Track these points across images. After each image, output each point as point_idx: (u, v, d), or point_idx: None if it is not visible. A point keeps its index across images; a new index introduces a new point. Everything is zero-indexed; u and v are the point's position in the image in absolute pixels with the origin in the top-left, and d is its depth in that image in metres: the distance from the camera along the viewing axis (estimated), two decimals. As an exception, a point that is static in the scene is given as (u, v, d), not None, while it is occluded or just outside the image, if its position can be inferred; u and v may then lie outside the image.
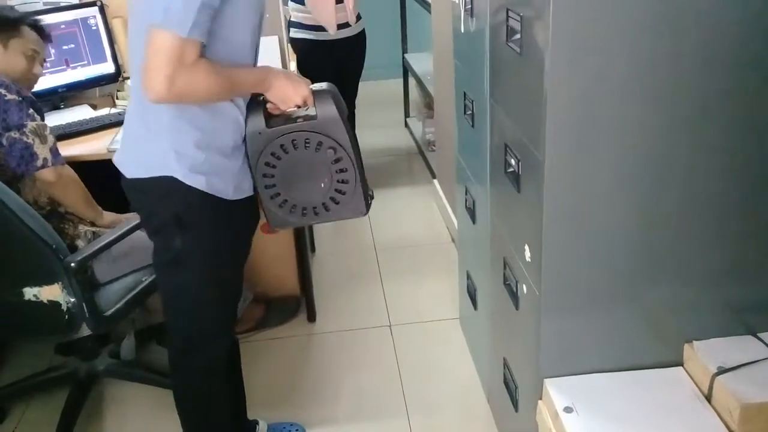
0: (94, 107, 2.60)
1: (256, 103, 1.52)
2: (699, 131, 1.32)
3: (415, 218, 3.41)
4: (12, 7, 2.14)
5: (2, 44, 1.95)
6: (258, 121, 1.51)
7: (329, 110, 1.51)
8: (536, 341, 1.48)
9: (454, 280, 2.53)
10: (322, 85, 1.56)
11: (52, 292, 1.84)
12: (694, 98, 1.29)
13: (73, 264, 1.80)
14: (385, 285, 2.83)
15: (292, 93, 1.51)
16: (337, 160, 1.54)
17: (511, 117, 1.55)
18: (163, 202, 1.51)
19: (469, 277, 2.23)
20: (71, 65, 2.58)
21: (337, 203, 1.59)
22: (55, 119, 2.42)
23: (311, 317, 2.62)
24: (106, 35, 2.65)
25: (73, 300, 1.84)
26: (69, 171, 1.95)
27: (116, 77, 2.70)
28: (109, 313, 1.93)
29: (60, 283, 1.82)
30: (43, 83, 2.51)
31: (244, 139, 1.53)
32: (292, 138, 1.51)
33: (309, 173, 1.55)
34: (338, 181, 1.57)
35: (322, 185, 1.57)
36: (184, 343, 1.69)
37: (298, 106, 1.53)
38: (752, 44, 1.25)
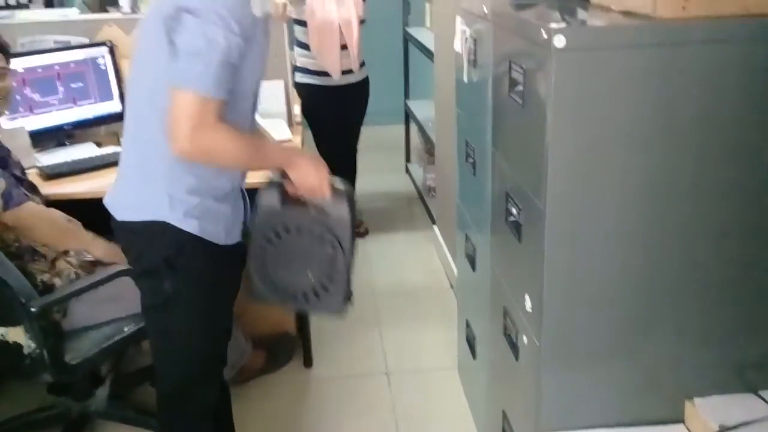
0: (99, 145, 2.61)
1: (274, 180, 1.56)
2: (700, 187, 1.32)
3: (414, 264, 3.40)
4: None
5: None
6: (274, 198, 1.54)
7: (343, 212, 1.54)
8: (537, 394, 1.46)
9: (452, 327, 2.51)
10: (341, 184, 1.57)
11: (16, 335, 1.79)
12: (695, 154, 1.30)
13: (33, 309, 1.73)
14: (383, 331, 2.81)
15: (313, 179, 1.53)
16: (332, 258, 1.54)
17: (513, 166, 1.56)
18: (154, 244, 1.51)
19: (468, 325, 2.21)
20: (78, 103, 2.61)
21: (318, 297, 1.59)
22: (60, 156, 2.44)
23: (308, 362, 2.59)
24: (114, 75, 2.68)
25: (33, 345, 1.78)
26: (29, 210, 1.87)
27: (122, 116, 2.70)
28: (75, 362, 1.84)
29: (22, 326, 1.77)
30: (49, 120, 2.54)
31: (242, 191, 1.56)
32: (299, 224, 1.53)
33: (302, 260, 1.56)
34: (327, 277, 1.56)
35: (310, 276, 1.57)
36: (173, 388, 1.67)
37: None
38: (754, 102, 1.27)
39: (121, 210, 1.55)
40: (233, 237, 1.57)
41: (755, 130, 1.29)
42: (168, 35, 1.34)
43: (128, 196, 1.54)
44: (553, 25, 1.21)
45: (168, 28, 1.35)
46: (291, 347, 2.60)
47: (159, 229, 1.48)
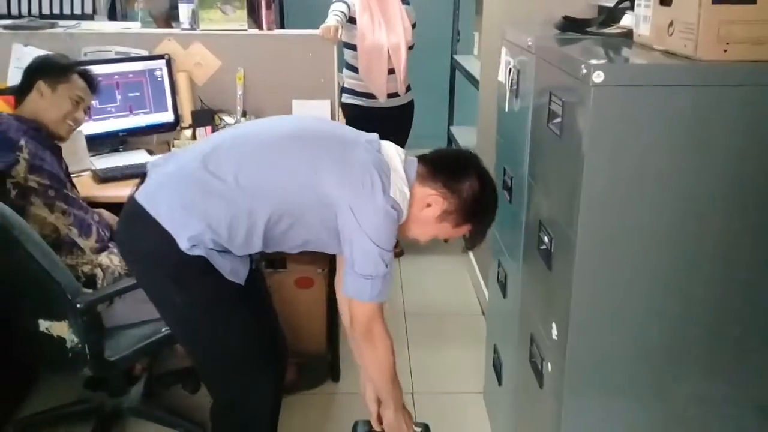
0: (151, 153, 2.73)
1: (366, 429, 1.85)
2: (733, 227, 1.33)
3: (447, 287, 3.42)
4: (65, 56, 2.29)
5: (51, 87, 2.09)
6: None
7: None
8: (557, 423, 1.47)
9: (481, 352, 2.52)
10: (419, 428, 1.85)
11: (60, 329, 1.87)
12: (730, 194, 1.31)
13: (79, 305, 1.82)
14: (411, 351, 2.83)
15: (399, 428, 1.78)
16: None
17: (548, 196, 1.58)
18: (160, 264, 1.60)
19: (495, 350, 2.22)
20: (134, 111, 2.74)
21: None
22: (113, 161, 2.56)
23: (335, 377, 2.62)
24: (169, 86, 2.81)
25: (76, 340, 1.86)
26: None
27: (174, 126, 2.84)
28: (114, 358, 1.92)
29: (67, 321, 1.85)
30: (106, 126, 2.67)
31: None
32: None
33: None
34: None
35: None
36: (218, 396, 1.74)
37: None
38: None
39: (155, 206, 1.60)
40: (238, 277, 1.64)
41: (790, 174, 1.30)
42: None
43: (165, 202, 1.60)
44: (593, 61, 1.24)
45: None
46: (323, 370, 2.63)
47: (167, 249, 1.55)
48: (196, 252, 1.56)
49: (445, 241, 1.78)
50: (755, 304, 1.39)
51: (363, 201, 1.55)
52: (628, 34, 1.64)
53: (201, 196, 1.57)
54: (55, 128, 2.09)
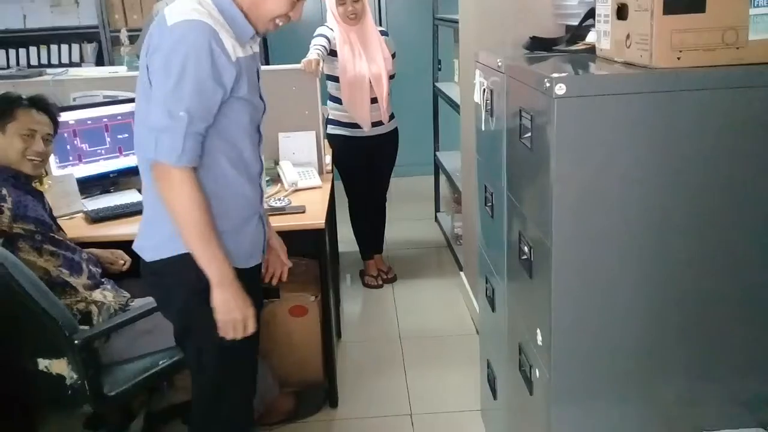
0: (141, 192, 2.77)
1: None
2: (698, 225, 1.38)
3: (441, 309, 3.46)
4: (7, 92, 2.18)
5: (1, 130, 2.04)
6: None
7: None
8: (547, 426, 1.51)
9: (477, 371, 2.55)
10: None
11: (59, 366, 1.90)
12: (691, 193, 1.37)
13: (77, 341, 1.84)
14: (408, 374, 2.86)
15: (237, 314, 1.60)
16: None
17: (525, 207, 1.64)
18: (182, 280, 1.63)
19: (489, 365, 2.25)
20: (124, 153, 2.79)
21: None
22: (104, 201, 2.60)
23: (333, 403, 2.64)
24: (157, 127, 2.86)
25: (75, 377, 1.88)
26: None
27: (163, 165, 2.89)
28: (113, 393, 1.94)
29: (66, 358, 1.88)
30: (96, 168, 2.72)
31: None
32: None
33: None
34: None
35: None
36: (207, 409, 1.77)
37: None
38: (744, 144, 1.34)
39: (148, 251, 1.68)
40: (254, 259, 1.69)
41: (746, 169, 1.35)
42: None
43: (151, 237, 1.68)
44: (555, 75, 1.31)
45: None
46: (321, 397, 2.65)
47: (183, 263, 1.59)
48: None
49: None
50: (731, 301, 1.44)
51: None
52: (592, 50, 1.71)
53: (152, 206, 1.65)
54: (18, 168, 2.06)
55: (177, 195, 1.52)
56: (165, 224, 1.59)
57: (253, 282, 1.71)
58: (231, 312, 1.59)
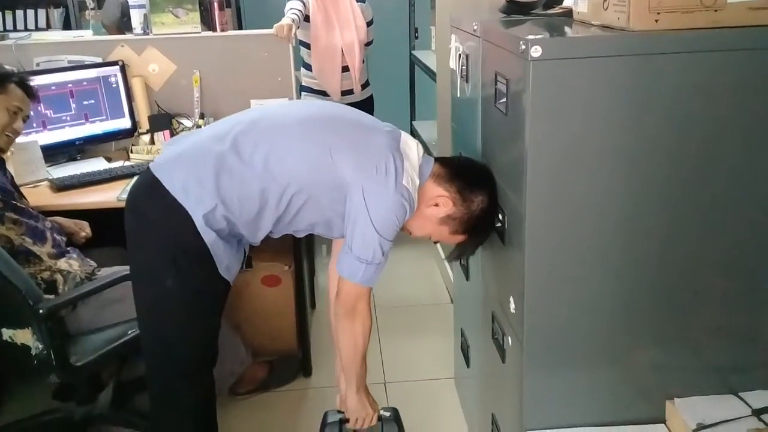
0: (109, 160, 2.71)
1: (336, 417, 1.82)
2: (674, 191, 1.37)
3: (416, 279, 3.45)
4: (1, 65, 2.17)
5: None
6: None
7: None
8: (519, 393, 1.50)
9: (451, 340, 2.55)
10: (388, 412, 1.85)
11: (24, 336, 1.85)
12: (668, 158, 1.35)
13: (41, 311, 1.80)
14: (382, 343, 2.85)
15: (368, 406, 1.80)
16: None
17: (499, 174, 1.62)
18: (165, 238, 1.60)
19: (462, 334, 2.25)
20: (90, 119, 2.71)
21: None
22: (70, 169, 2.53)
23: (307, 372, 2.63)
24: (125, 93, 2.79)
25: (41, 347, 1.84)
26: None
27: (132, 132, 2.83)
28: (80, 363, 1.90)
29: (30, 328, 1.83)
30: (62, 135, 2.64)
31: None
32: None
33: None
34: None
35: None
36: (164, 387, 1.78)
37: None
38: (721, 108, 1.33)
39: (180, 194, 1.58)
40: (230, 274, 1.68)
41: (722, 133, 1.34)
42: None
43: (183, 176, 1.59)
44: (530, 37, 1.27)
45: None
46: (295, 366, 2.64)
47: (178, 220, 1.56)
48: (207, 235, 1.57)
49: (435, 242, 1.80)
50: (704, 269, 1.44)
51: (375, 185, 1.57)
52: (569, 13, 1.68)
53: (215, 173, 1.57)
54: None
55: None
56: (202, 199, 1.56)
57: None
58: (366, 409, 1.79)
